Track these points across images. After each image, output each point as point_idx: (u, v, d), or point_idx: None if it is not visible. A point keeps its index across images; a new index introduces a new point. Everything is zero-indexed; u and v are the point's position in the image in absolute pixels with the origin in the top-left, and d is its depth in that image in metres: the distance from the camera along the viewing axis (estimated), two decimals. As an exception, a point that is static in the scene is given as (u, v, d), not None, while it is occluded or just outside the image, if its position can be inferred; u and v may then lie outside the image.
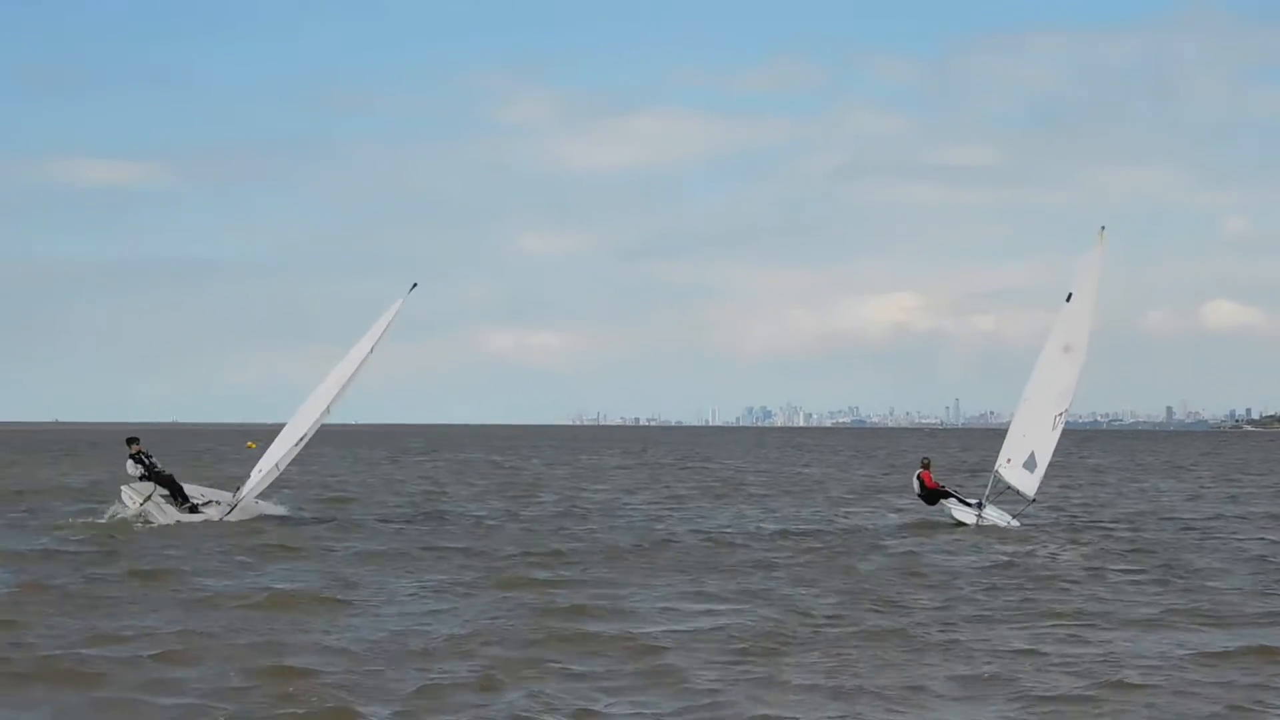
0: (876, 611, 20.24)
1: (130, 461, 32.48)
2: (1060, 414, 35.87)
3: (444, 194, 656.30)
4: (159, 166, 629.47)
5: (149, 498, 32.20)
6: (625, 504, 43.46)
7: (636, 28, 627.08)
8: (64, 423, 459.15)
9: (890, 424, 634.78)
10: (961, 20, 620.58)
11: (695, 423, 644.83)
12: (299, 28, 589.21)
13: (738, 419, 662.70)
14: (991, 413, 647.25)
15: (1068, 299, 35.51)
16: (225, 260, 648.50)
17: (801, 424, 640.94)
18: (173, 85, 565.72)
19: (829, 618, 19.54)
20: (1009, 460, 35.84)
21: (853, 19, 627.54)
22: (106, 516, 32.66)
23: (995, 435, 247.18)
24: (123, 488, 32.90)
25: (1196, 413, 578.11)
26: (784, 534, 33.77)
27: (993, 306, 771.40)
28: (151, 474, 32.54)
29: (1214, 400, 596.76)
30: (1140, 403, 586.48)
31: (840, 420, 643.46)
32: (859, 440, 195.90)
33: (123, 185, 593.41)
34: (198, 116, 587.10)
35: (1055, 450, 36.22)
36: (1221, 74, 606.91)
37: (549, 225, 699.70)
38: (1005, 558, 28.14)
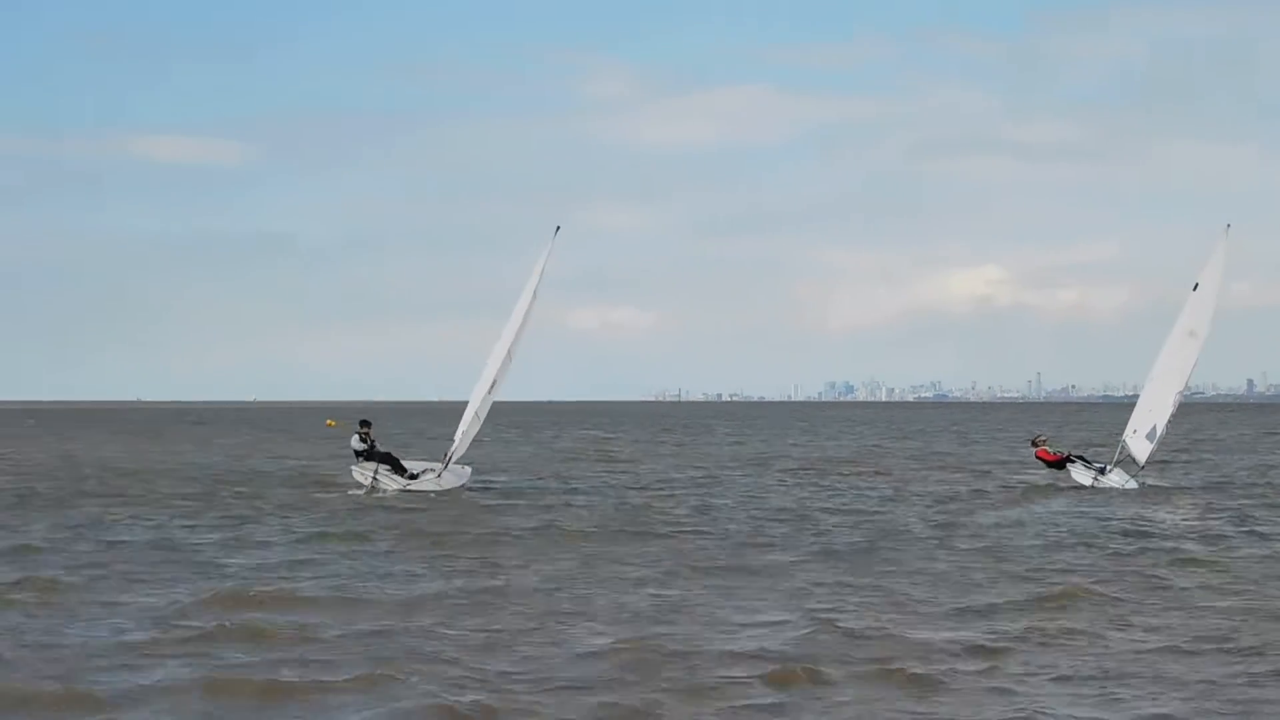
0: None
1: (356, 438, 37.18)
2: (1179, 392, 40.50)
3: (523, 170, 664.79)
4: (239, 143, 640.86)
5: (376, 473, 36.46)
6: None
7: (716, 2, 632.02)
8: (146, 401, 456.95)
9: (972, 398, 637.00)
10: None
11: (778, 398, 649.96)
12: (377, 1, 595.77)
13: (820, 394, 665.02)
14: (1073, 387, 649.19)
15: (1194, 288, 39.74)
16: (305, 237, 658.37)
17: (884, 399, 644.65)
18: (252, 59, 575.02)
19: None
20: (1134, 431, 40.45)
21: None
22: (365, 491, 36.22)
23: (1075, 410, 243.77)
24: (352, 467, 37.44)
25: (1278, 385, 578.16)
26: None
27: (1075, 281, 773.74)
28: (371, 452, 36.92)
29: None
30: (1221, 375, 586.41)
31: (922, 395, 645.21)
32: (953, 413, 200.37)
33: (202, 162, 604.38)
34: (276, 91, 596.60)
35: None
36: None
37: (630, 201, 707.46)
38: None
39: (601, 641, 15.89)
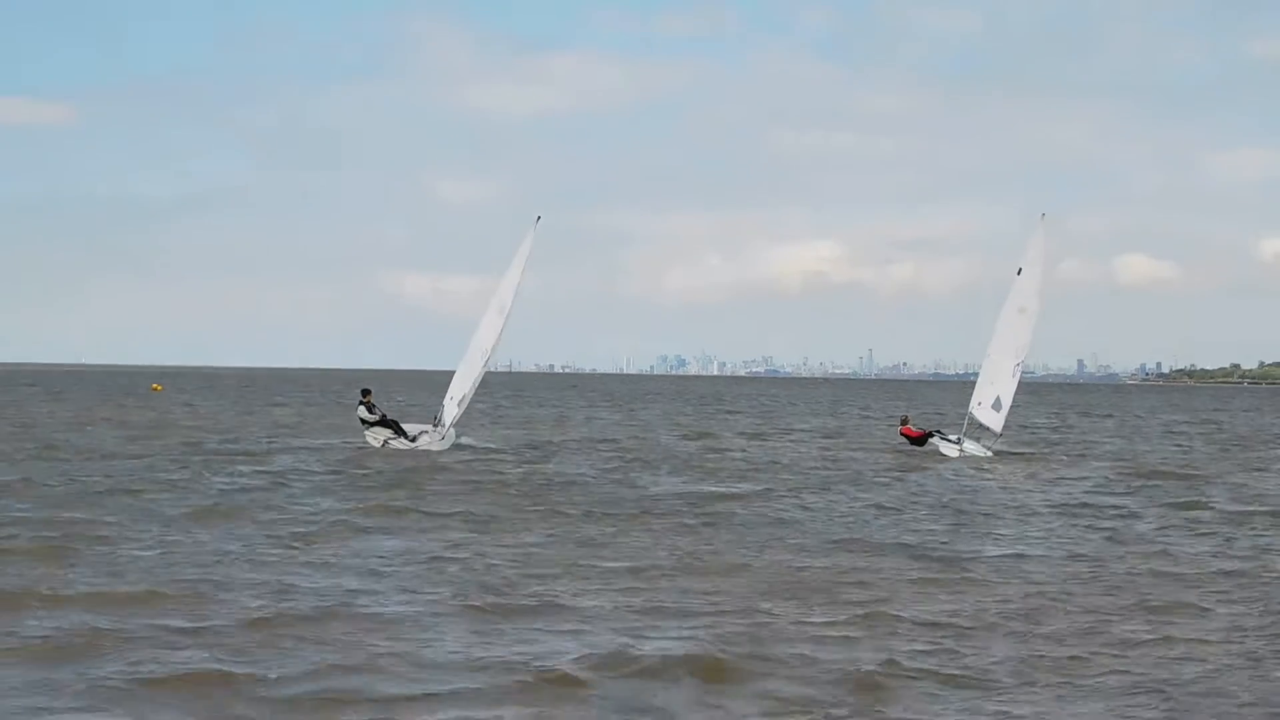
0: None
1: (363, 408, 40.70)
2: (1018, 364, 44.30)
3: (361, 136, 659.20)
4: (66, 105, 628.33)
5: (387, 440, 39.97)
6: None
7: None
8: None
9: (804, 374, 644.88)
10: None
11: (609, 370, 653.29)
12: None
13: (651, 367, 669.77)
14: (904, 364, 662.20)
15: (1019, 273, 43.98)
16: (138, 199, 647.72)
17: (715, 373, 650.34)
18: (85, 22, 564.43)
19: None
20: (979, 403, 44.30)
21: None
22: (381, 444, 39.87)
23: (905, 387, 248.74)
24: (365, 432, 40.61)
25: (1107, 366, 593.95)
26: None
27: (908, 257, 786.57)
28: (383, 419, 40.66)
29: (1125, 354, 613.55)
30: (1053, 355, 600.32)
31: (754, 370, 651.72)
32: (792, 390, 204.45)
33: (32, 123, 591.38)
34: (109, 54, 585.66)
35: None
36: (1137, 28, 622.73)
37: (465, 168, 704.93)
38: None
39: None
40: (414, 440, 40.05)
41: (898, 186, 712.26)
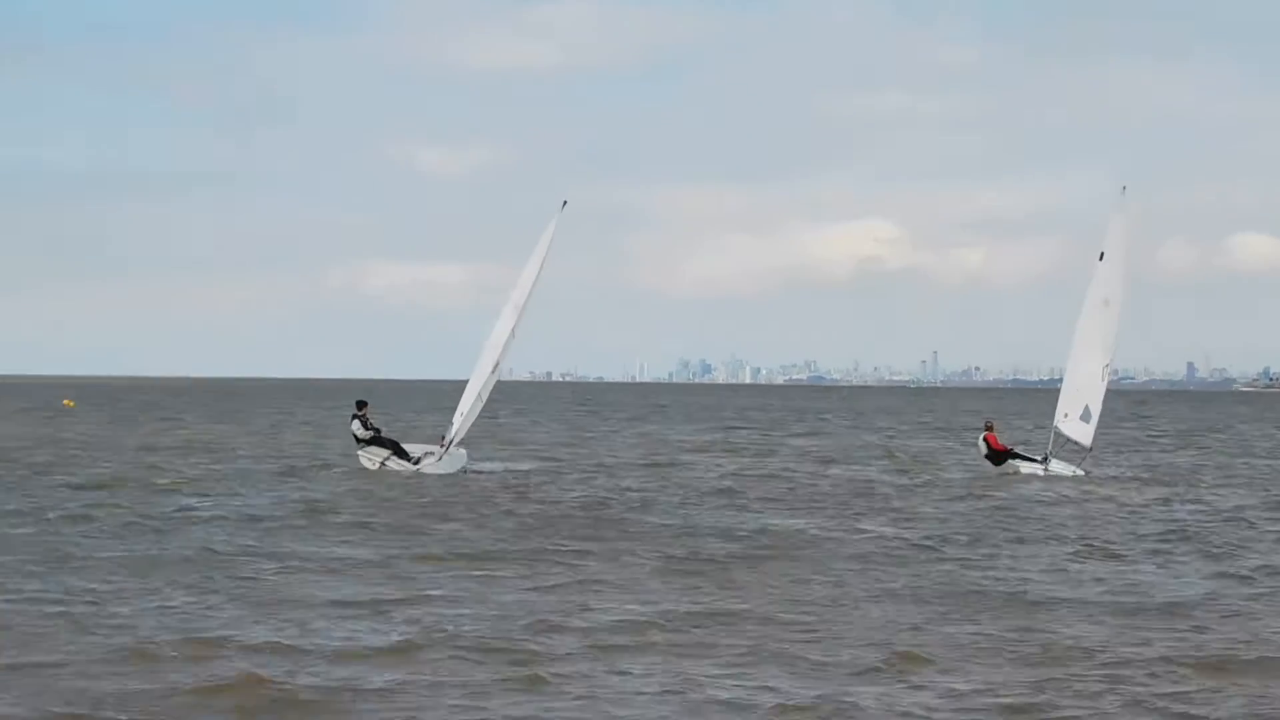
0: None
1: (357, 423, 42.09)
2: (1107, 365, 44.82)
3: (313, 97, 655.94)
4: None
5: (384, 461, 41.40)
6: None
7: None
8: None
9: (854, 381, 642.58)
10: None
11: (619, 378, 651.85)
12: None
13: (670, 374, 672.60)
14: (976, 369, 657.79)
15: (1100, 258, 44.50)
16: (35, 174, 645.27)
17: (748, 380, 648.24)
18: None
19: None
20: (1065, 415, 44.47)
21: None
22: (378, 466, 41.69)
23: (980, 395, 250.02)
24: (359, 453, 42.20)
25: (1222, 370, 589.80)
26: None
27: (980, 239, 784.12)
28: (378, 438, 42.06)
29: (1244, 355, 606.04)
30: (1156, 357, 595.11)
31: (795, 377, 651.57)
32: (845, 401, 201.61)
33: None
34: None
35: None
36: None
37: (442, 137, 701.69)
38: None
39: None
40: (417, 463, 41.39)
41: (964, 155, 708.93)
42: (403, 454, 41.57)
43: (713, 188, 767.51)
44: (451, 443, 42.09)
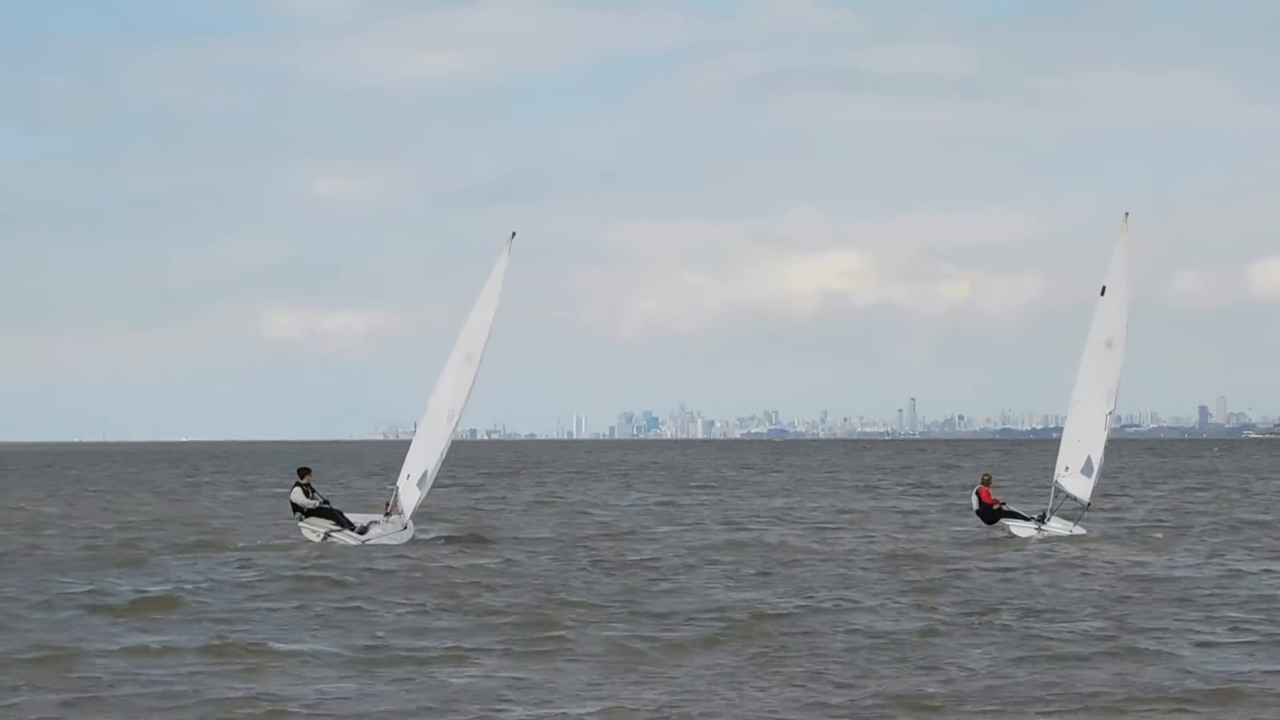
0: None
1: (299, 491, 44.97)
2: (1110, 413, 47.86)
3: (205, 115, 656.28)
4: None
5: (329, 533, 44.57)
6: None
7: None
8: None
9: (821, 434, 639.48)
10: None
11: (554, 435, 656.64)
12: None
13: (612, 429, 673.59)
14: (960, 418, 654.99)
15: (1102, 293, 47.11)
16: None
17: (700, 435, 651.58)
18: None
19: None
20: (1067, 468, 47.44)
21: None
22: (321, 538, 44.51)
23: (965, 448, 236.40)
24: (300, 524, 45.09)
25: (1240, 414, 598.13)
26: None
27: (960, 270, 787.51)
28: (322, 509, 45.20)
29: (1266, 397, 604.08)
30: (1166, 401, 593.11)
31: (754, 430, 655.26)
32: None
33: None
34: None
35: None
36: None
37: (348, 159, 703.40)
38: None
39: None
40: (363, 532, 44.71)
41: (943, 174, 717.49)
42: (347, 523, 44.53)
43: (659, 217, 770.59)
44: (404, 512, 45.37)
